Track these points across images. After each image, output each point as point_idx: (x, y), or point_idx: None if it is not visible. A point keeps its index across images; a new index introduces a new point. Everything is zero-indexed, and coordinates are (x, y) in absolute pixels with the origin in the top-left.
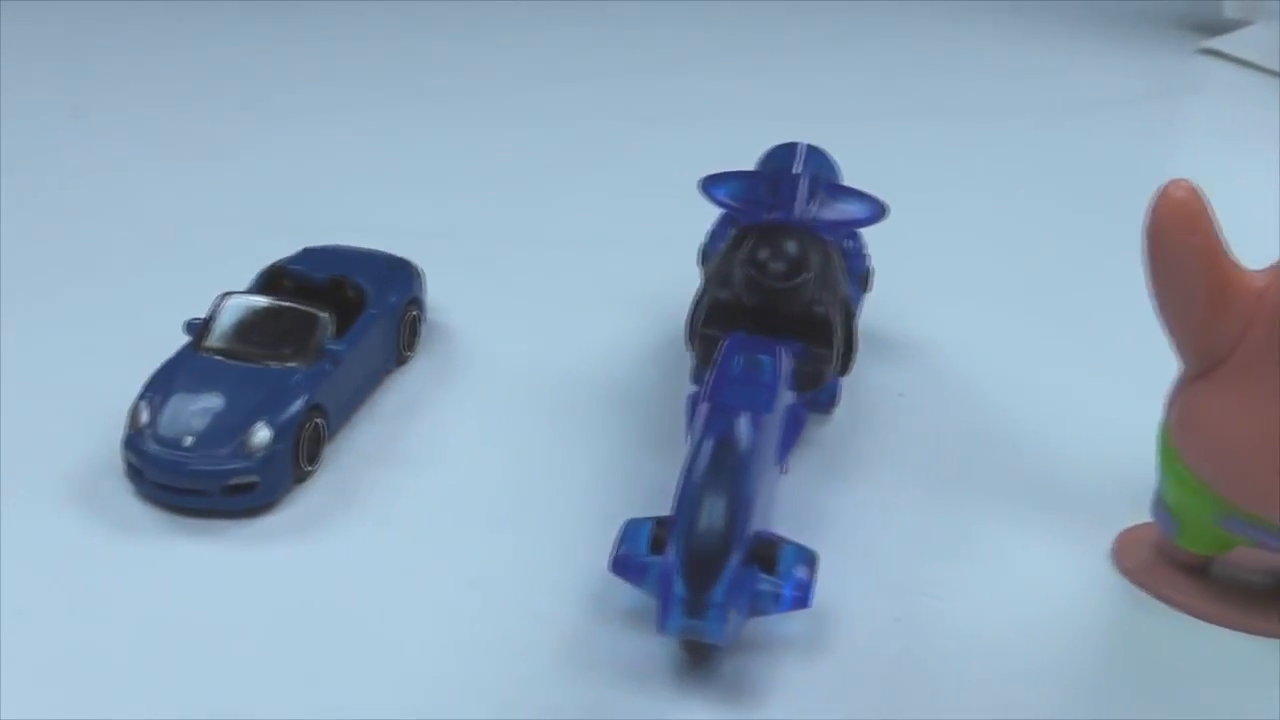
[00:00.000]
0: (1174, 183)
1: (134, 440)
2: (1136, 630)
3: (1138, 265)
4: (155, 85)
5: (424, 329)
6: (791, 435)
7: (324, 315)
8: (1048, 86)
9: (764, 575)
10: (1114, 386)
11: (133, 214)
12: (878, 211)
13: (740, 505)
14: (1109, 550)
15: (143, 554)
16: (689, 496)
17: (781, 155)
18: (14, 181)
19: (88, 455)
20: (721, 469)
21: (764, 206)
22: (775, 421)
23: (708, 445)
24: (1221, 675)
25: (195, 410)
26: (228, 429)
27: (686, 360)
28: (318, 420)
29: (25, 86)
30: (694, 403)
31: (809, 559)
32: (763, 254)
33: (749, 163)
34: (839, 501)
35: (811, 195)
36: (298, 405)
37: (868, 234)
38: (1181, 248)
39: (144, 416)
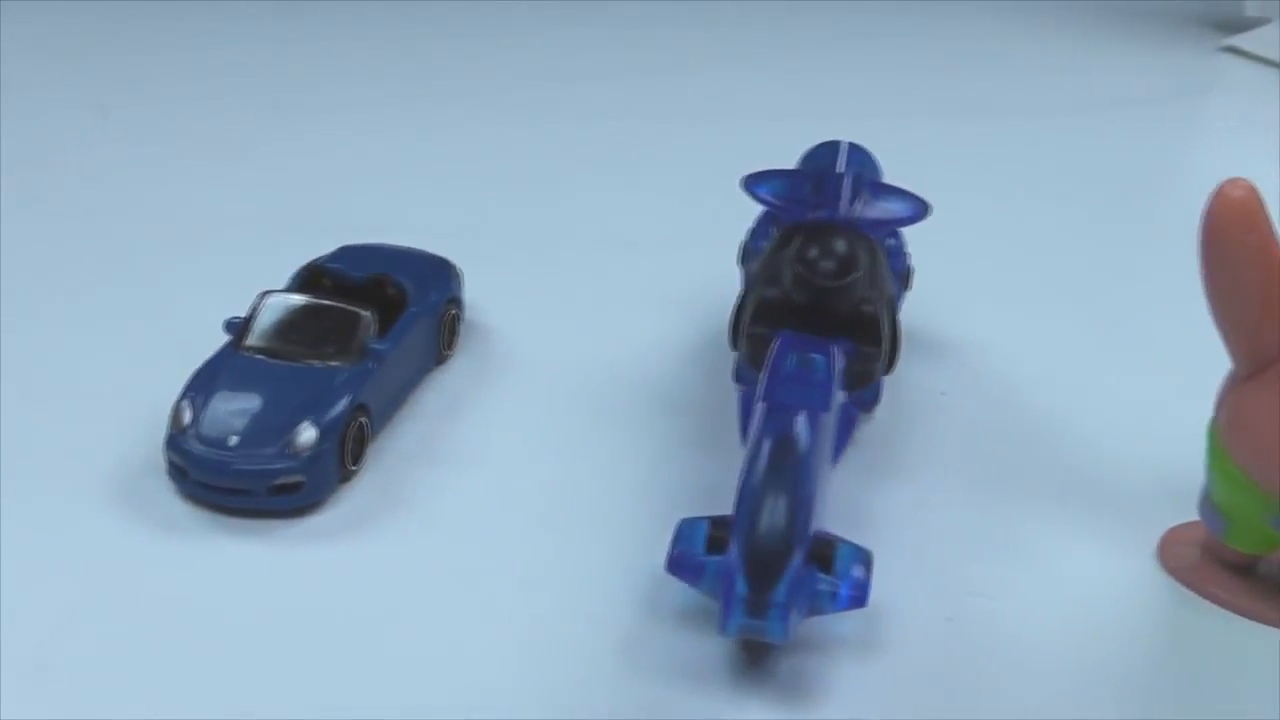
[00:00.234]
0: (1231, 182)
1: (177, 440)
2: (1183, 629)
3: (1170, 263)
4: (182, 84)
5: (462, 328)
6: (844, 434)
7: (366, 314)
8: (1068, 85)
9: (822, 575)
10: (1154, 385)
11: (164, 213)
12: (920, 210)
13: (801, 505)
14: (1153, 549)
15: (188, 554)
16: (750, 496)
17: (824, 154)
18: (46, 181)
19: (127, 455)
20: (781, 468)
21: (808, 205)
22: (831, 420)
23: (767, 445)
24: (1269, 673)
25: (239, 409)
26: (273, 428)
27: (727, 359)
28: (362, 420)
29: (52, 86)
30: (747, 402)
31: (865, 559)
32: (812, 252)
33: (785, 160)
34: (884, 500)
35: (855, 194)
36: (343, 405)
37: (905, 232)
38: (1238, 247)
39: (186, 416)
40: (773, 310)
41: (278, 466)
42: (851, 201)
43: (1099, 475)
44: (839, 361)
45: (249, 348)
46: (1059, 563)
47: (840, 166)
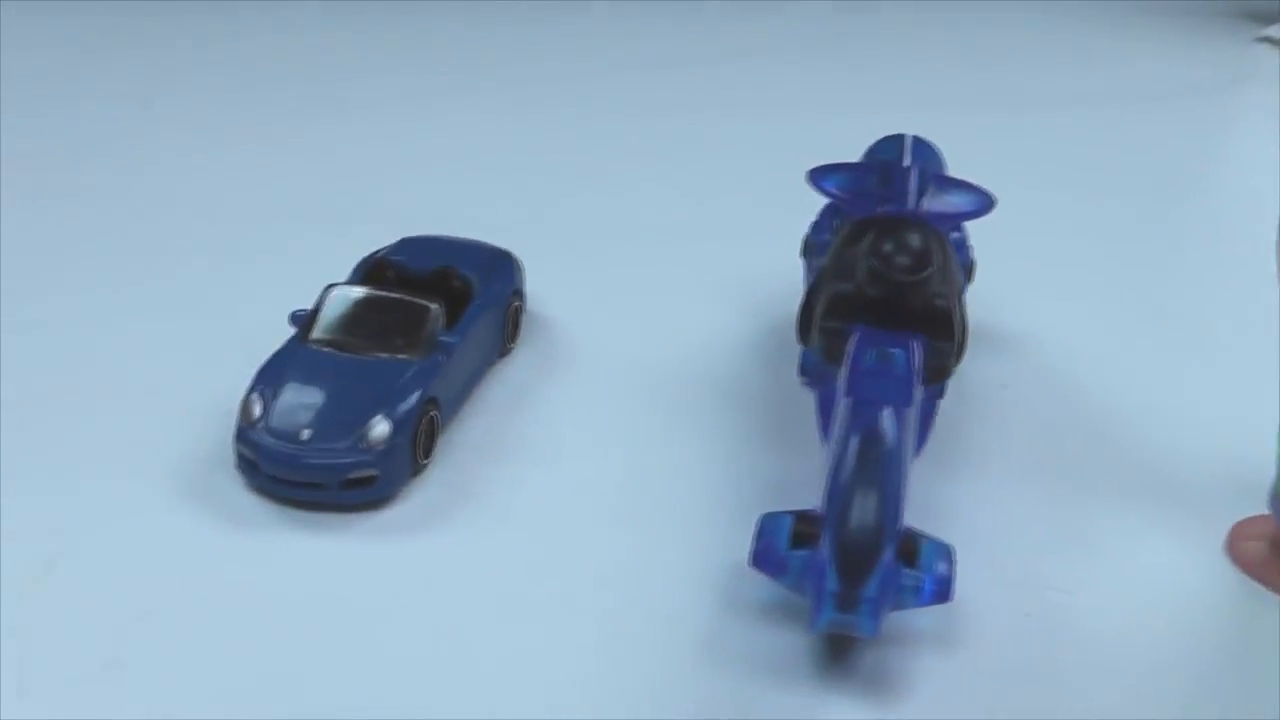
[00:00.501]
0: None
1: (247, 434)
2: (1252, 623)
3: (1217, 255)
4: (225, 76)
5: (524, 320)
6: (924, 429)
7: (435, 306)
8: (1105, 77)
9: (906, 569)
10: (1215, 377)
11: (213, 207)
12: (986, 203)
13: (891, 501)
14: (1222, 543)
15: (261, 548)
16: (840, 492)
17: (888, 147)
18: (92, 174)
19: (193, 449)
20: (870, 464)
21: (874, 199)
22: (914, 415)
23: (854, 440)
24: None
25: (309, 403)
26: (345, 422)
27: (788, 352)
28: (432, 413)
29: (95, 78)
30: (826, 397)
31: (948, 553)
32: (887, 247)
33: (841, 153)
34: (953, 494)
35: (922, 187)
36: (415, 398)
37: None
38: None
39: (256, 409)
40: (846, 305)
41: (351, 460)
42: (919, 195)
43: (1165, 468)
44: (919, 356)
45: (316, 341)
46: (1129, 557)
47: (906, 160)
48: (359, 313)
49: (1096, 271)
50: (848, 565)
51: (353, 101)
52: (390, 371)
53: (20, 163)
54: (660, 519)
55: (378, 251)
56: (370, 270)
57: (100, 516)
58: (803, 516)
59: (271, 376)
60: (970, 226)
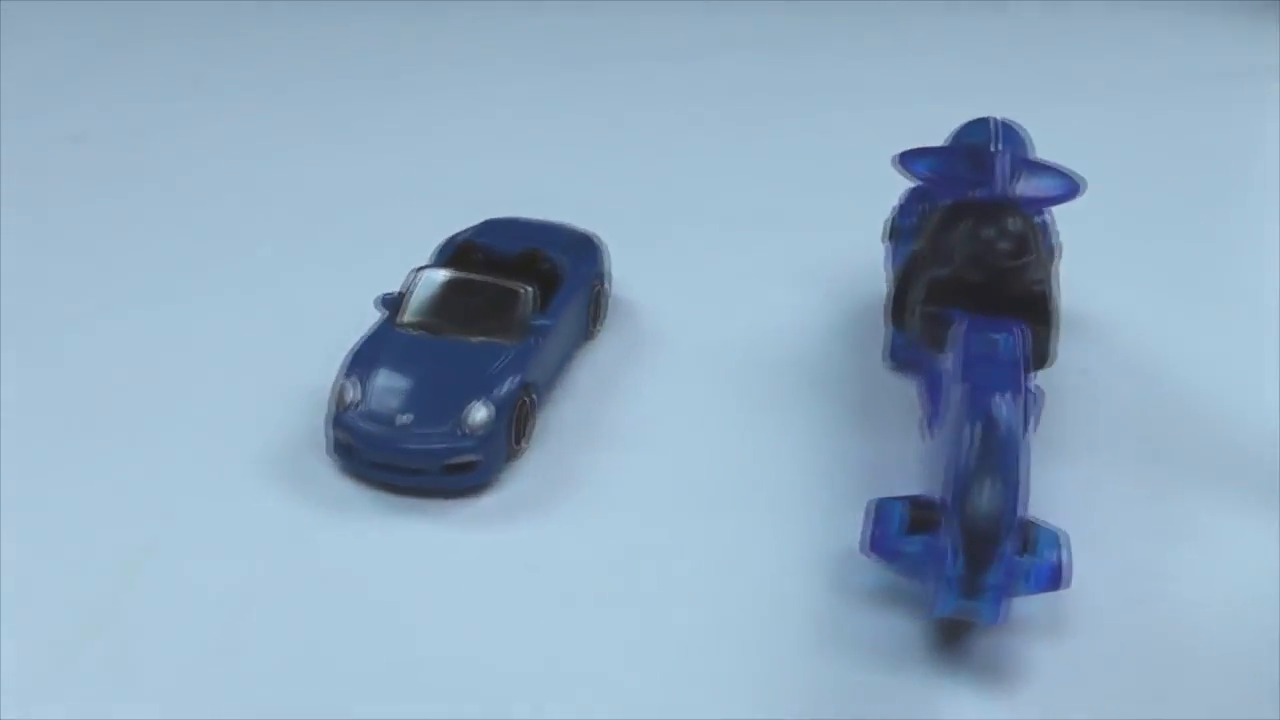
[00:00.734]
0: None
1: (343, 418)
2: None
3: None
4: (286, 57)
5: (607, 304)
6: (1032, 416)
7: (527, 290)
8: (1166, 60)
9: (1021, 556)
10: None
11: (292, 189)
12: (1074, 188)
13: (1012, 488)
14: None
15: (361, 534)
16: (963, 478)
17: (975, 130)
18: (174, 160)
19: (283, 432)
20: (991, 451)
21: (965, 183)
22: (1024, 401)
23: (973, 427)
24: None
25: (406, 387)
26: (444, 407)
27: (871, 335)
28: (528, 398)
29: (153, 61)
30: (933, 381)
31: (1062, 541)
32: (987, 232)
33: (918, 137)
34: (1047, 480)
35: (1013, 171)
36: (512, 382)
37: None
38: None
39: (351, 394)
40: (944, 290)
41: (453, 446)
42: (1010, 179)
43: (1252, 451)
44: (1025, 342)
45: (406, 324)
46: (1225, 543)
47: (995, 144)
48: (450, 296)
49: (1170, 255)
50: (972, 551)
51: (422, 82)
52: (486, 356)
53: (98, 147)
54: (759, 504)
55: (460, 233)
56: (456, 253)
57: (194, 501)
58: (916, 502)
59: (365, 360)
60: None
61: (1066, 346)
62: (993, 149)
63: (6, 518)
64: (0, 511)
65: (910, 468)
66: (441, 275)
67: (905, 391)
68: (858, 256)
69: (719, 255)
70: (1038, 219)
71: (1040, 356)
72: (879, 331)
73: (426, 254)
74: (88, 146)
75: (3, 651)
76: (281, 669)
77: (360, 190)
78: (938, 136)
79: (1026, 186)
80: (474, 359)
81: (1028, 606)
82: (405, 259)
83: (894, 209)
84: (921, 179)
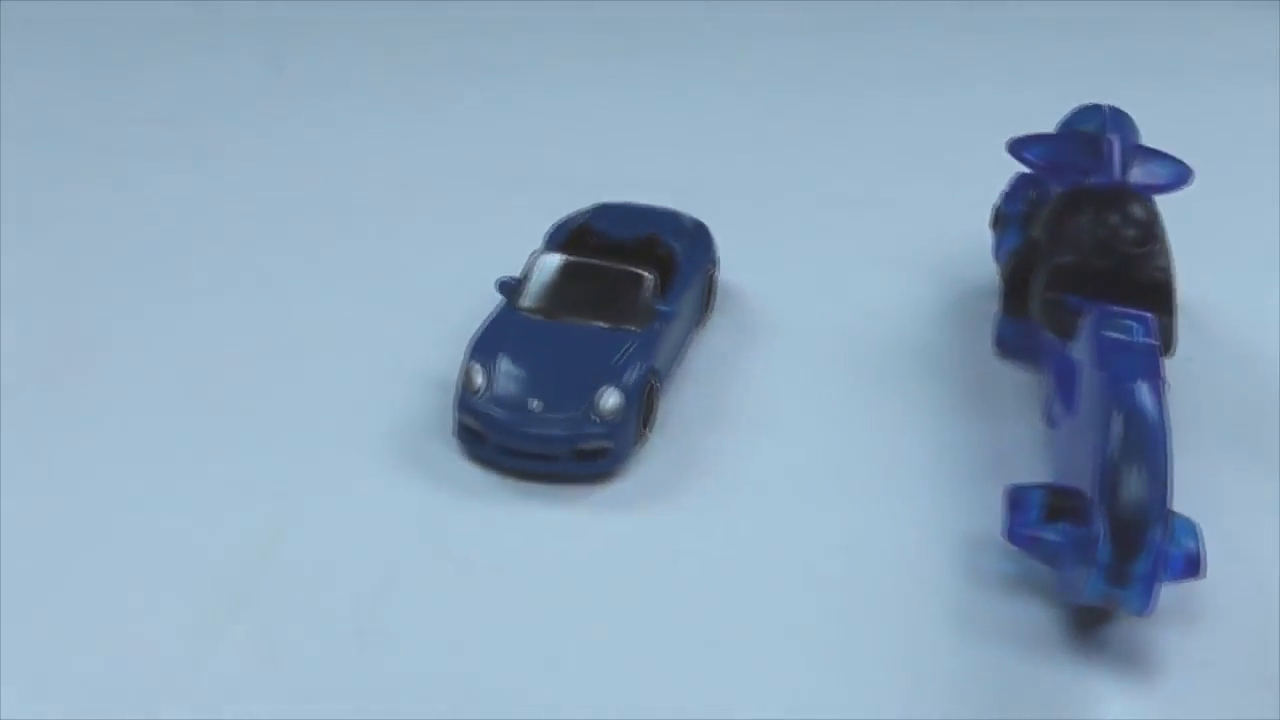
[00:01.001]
0: None
1: (471, 403)
2: None
3: None
4: (364, 37)
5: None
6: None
7: (649, 275)
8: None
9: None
10: None
11: (395, 173)
12: (1185, 175)
13: (1160, 476)
14: None
15: (493, 519)
16: (1111, 468)
17: (1086, 117)
18: (280, 143)
19: (404, 415)
20: (1139, 440)
21: (1078, 170)
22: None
23: (1118, 416)
24: None
25: (534, 373)
26: (575, 393)
27: (979, 321)
28: (654, 383)
29: (230, 41)
30: (1062, 368)
31: (1195, 530)
32: (1113, 219)
33: (1019, 119)
34: None
35: (1127, 159)
36: (640, 368)
37: None
38: None
39: (479, 379)
40: (1067, 277)
41: (585, 431)
42: (1124, 167)
43: None
44: (1156, 330)
45: (528, 309)
46: None
47: (1108, 131)
48: (570, 281)
49: (1266, 239)
50: (1121, 540)
51: (522, 65)
52: (613, 341)
53: (191, 129)
54: (886, 488)
55: (573, 217)
56: (570, 237)
57: (321, 485)
58: (1055, 490)
59: (490, 345)
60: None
61: None
62: (1109, 136)
63: (139, 503)
64: (133, 497)
65: (1031, 453)
66: (562, 260)
67: (1016, 377)
68: (959, 240)
69: (820, 238)
70: None
71: (1164, 344)
72: (985, 317)
73: (533, 237)
74: (175, 128)
75: (146, 633)
76: (427, 653)
77: (458, 173)
78: (1037, 119)
79: (1139, 174)
80: (600, 344)
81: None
82: (513, 242)
83: (1000, 196)
84: (1033, 166)
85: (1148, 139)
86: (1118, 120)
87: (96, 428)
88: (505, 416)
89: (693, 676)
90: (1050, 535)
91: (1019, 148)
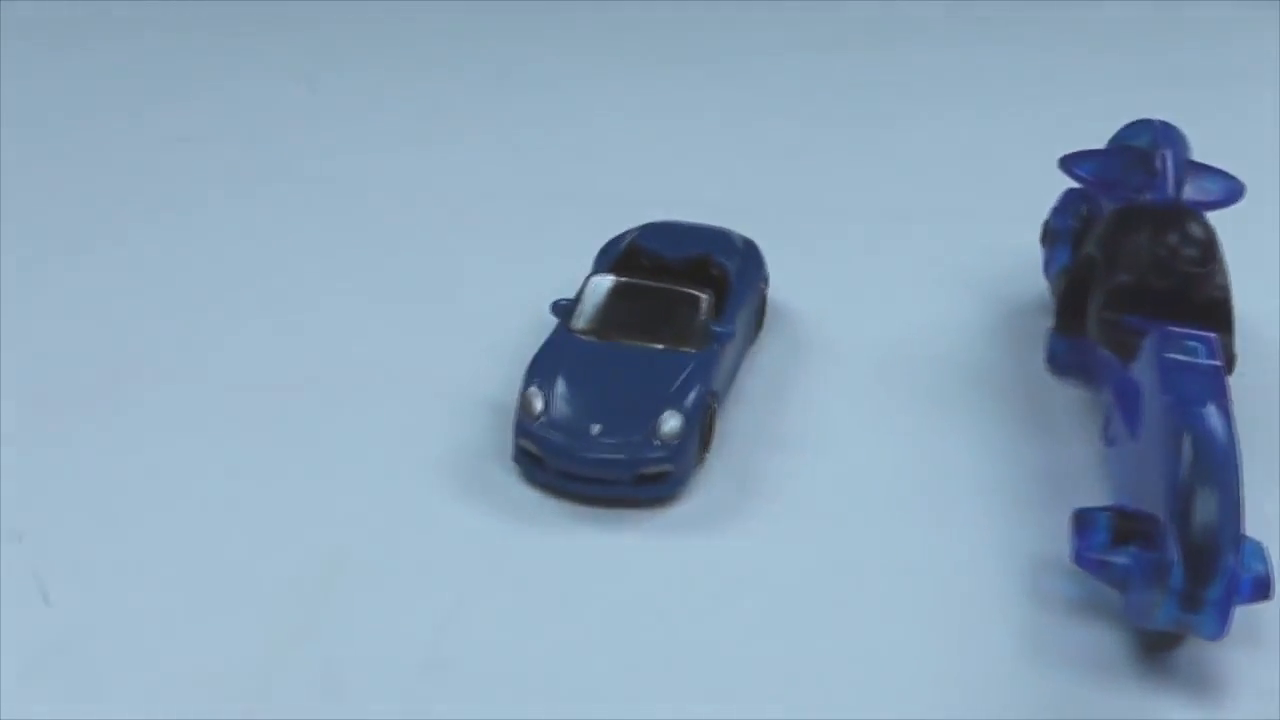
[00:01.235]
0: None
1: (530, 428)
2: None
3: None
4: (393, 53)
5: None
6: None
7: (705, 296)
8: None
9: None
10: None
11: (432, 191)
12: (1238, 191)
13: (1234, 500)
14: None
15: (557, 545)
16: (1182, 492)
17: (1136, 132)
18: (325, 163)
19: (462, 440)
20: (1209, 463)
21: (1130, 186)
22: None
23: (1187, 439)
24: None
25: (592, 397)
26: (634, 417)
27: (1029, 338)
28: (713, 405)
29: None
30: (1119, 389)
31: (1263, 552)
32: (1172, 238)
33: (1069, 138)
34: None
35: (1180, 175)
36: (699, 391)
37: None
38: None
39: (538, 403)
40: (1125, 296)
41: (646, 456)
42: (1178, 183)
43: None
44: (1219, 351)
45: (584, 331)
46: None
47: (1160, 146)
48: (626, 302)
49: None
50: (1194, 565)
51: (564, 82)
52: (671, 363)
53: (217, 147)
54: (944, 510)
55: (622, 237)
56: (621, 257)
57: (379, 512)
58: (1122, 513)
59: (546, 369)
60: None
61: None
62: (1163, 151)
63: (197, 532)
64: (190, 526)
65: (1090, 473)
66: (616, 281)
67: (1069, 395)
68: (1008, 256)
69: (868, 254)
70: None
71: (1228, 363)
72: (1036, 334)
73: (580, 256)
74: (197, 145)
75: (209, 664)
76: (499, 682)
77: (501, 193)
78: (1082, 131)
79: (1192, 190)
80: (658, 367)
81: None
82: (560, 262)
83: (1049, 211)
84: (1085, 182)
85: (1199, 152)
86: (1169, 135)
87: (144, 457)
88: (565, 441)
89: (758, 703)
90: (1119, 559)
91: (1071, 164)
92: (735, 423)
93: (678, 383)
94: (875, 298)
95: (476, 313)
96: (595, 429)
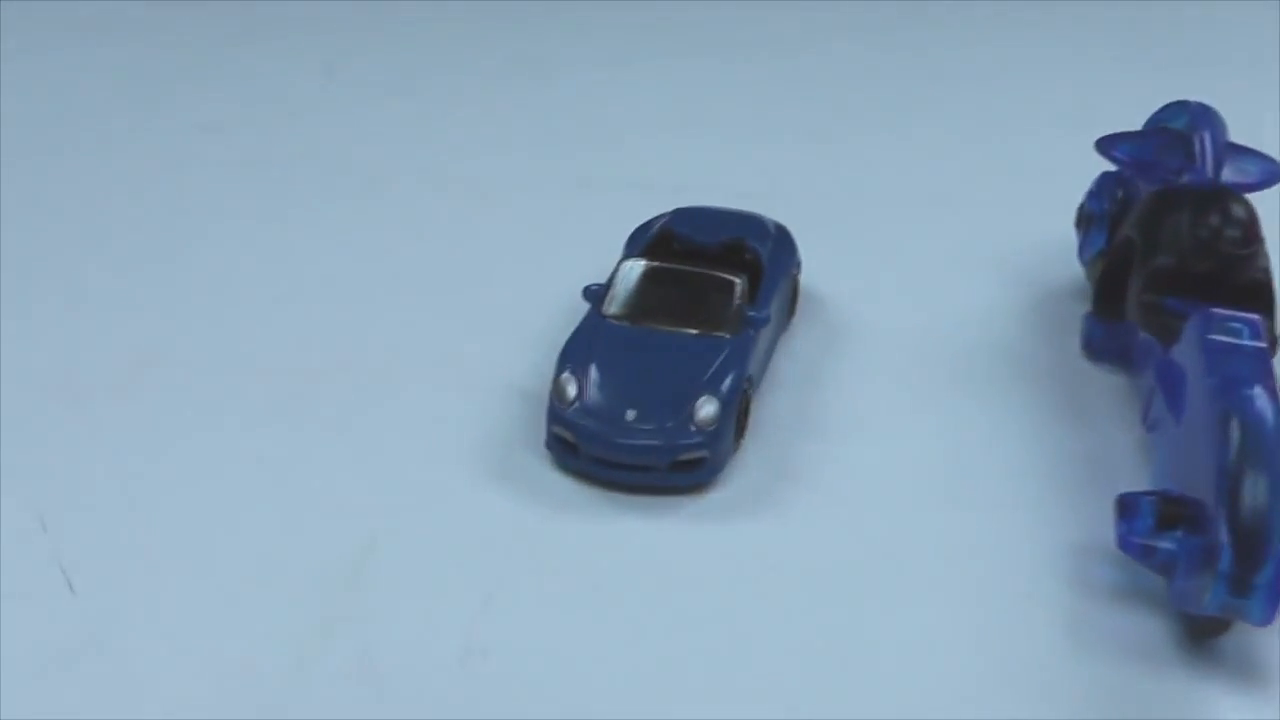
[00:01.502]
0: None
1: (564, 415)
2: None
3: None
4: (410, 40)
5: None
6: None
7: (740, 281)
8: None
9: None
10: None
11: (455, 179)
12: (1277, 173)
13: None
14: None
15: (591, 532)
16: (1230, 476)
17: (1173, 114)
18: (339, 151)
19: (492, 426)
20: (1258, 447)
21: (1166, 168)
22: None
23: (1234, 423)
24: None
25: (627, 382)
26: (671, 402)
27: (1064, 322)
28: (749, 391)
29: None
30: (1166, 374)
31: None
32: (1214, 220)
33: (1102, 119)
34: None
35: (1219, 156)
36: (736, 376)
37: None
38: None
39: (572, 390)
40: (1166, 279)
41: (682, 442)
42: (1217, 165)
43: None
44: (1264, 333)
45: (616, 316)
46: None
47: (1198, 128)
48: (659, 287)
49: None
50: (1243, 549)
51: (589, 65)
52: (706, 349)
53: (238, 136)
54: (982, 497)
55: (653, 222)
56: (653, 242)
57: (412, 500)
58: (1167, 498)
59: (579, 354)
60: None
61: None
62: (1200, 133)
63: (228, 516)
64: (221, 510)
65: (1129, 458)
66: (649, 266)
67: (1106, 380)
68: (1041, 240)
69: (899, 239)
70: None
71: (1271, 346)
72: (1070, 318)
73: (609, 241)
74: (221, 134)
75: (243, 654)
76: (537, 670)
77: (527, 178)
78: (1120, 117)
79: (1230, 171)
80: (693, 352)
81: None
82: (589, 247)
83: (1085, 195)
84: (1123, 165)
85: (1235, 134)
86: (1206, 116)
87: (170, 445)
88: (600, 427)
89: (797, 689)
90: (1165, 544)
91: (1107, 146)
92: (770, 409)
93: (713, 368)
94: (908, 283)
95: (506, 299)
96: (630, 415)
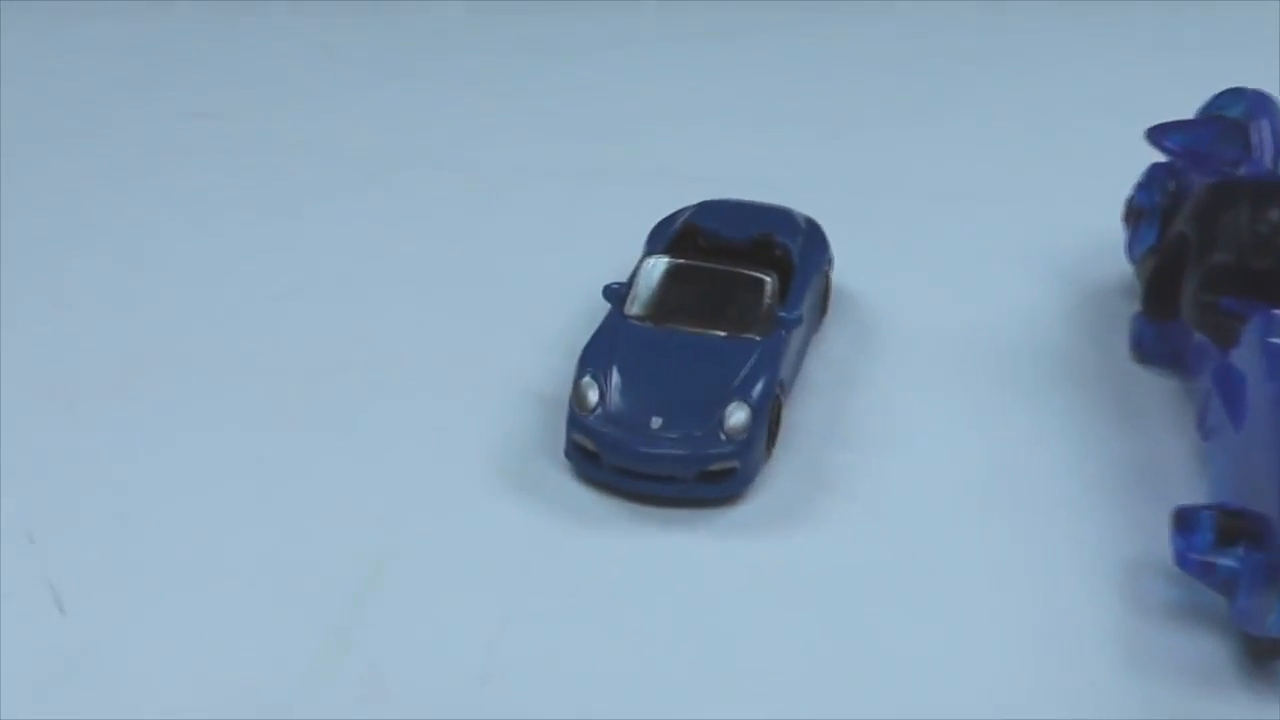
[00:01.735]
0: None
1: (585, 421)
2: None
3: None
4: (416, 23)
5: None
6: None
7: (770, 279)
8: None
9: None
10: None
11: (465, 169)
12: None
13: None
14: None
15: (614, 548)
16: None
17: (1228, 102)
18: (340, 139)
19: (508, 433)
20: None
21: (1225, 160)
22: None
23: None
24: None
25: (652, 388)
26: (698, 409)
27: (1110, 322)
28: (780, 397)
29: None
30: (1219, 378)
31: None
32: (1275, 214)
33: (1149, 106)
34: None
35: (1277, 146)
36: (768, 381)
37: None
38: None
39: (593, 395)
40: (1223, 277)
41: (712, 451)
42: (1276, 155)
43: None
44: None
45: (639, 317)
46: None
47: (1256, 118)
48: (684, 286)
49: None
50: None
51: (609, 51)
52: (735, 351)
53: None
54: (1029, 507)
55: (676, 216)
56: (676, 238)
57: (424, 510)
58: (1228, 512)
59: (601, 357)
60: None
61: None
62: (1252, 122)
63: (231, 527)
64: (224, 521)
65: (1183, 468)
66: (673, 264)
67: (1156, 384)
68: (1086, 236)
69: (937, 235)
70: None
71: None
72: (1118, 318)
73: (629, 235)
74: (218, 122)
75: (247, 669)
76: (545, 693)
77: (543, 168)
78: (1170, 105)
79: None
80: (722, 355)
81: None
82: (608, 242)
83: (1133, 188)
84: (1175, 155)
85: None
86: (1264, 104)
87: (169, 452)
88: (623, 436)
89: (835, 712)
90: (1227, 561)
91: (1159, 135)
92: (802, 415)
93: (743, 372)
94: (946, 281)
95: (521, 296)
96: (656, 422)
